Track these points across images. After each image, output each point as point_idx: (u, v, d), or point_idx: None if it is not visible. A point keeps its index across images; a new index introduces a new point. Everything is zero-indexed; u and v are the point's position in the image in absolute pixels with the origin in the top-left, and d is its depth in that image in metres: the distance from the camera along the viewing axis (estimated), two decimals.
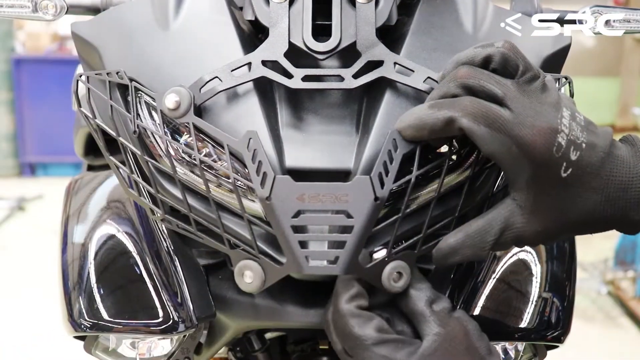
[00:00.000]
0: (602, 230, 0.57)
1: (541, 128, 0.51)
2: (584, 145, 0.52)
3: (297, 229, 0.57)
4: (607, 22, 0.76)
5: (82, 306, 0.72)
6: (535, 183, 0.53)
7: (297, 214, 0.56)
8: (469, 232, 0.56)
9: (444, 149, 0.60)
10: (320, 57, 0.60)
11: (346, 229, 0.57)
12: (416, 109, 0.55)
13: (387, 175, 0.56)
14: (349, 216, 0.56)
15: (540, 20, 0.75)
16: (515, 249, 0.76)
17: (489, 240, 0.55)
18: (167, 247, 0.73)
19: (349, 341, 0.57)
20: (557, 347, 0.77)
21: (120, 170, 0.63)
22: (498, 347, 0.78)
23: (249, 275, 0.59)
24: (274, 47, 0.60)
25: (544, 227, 0.55)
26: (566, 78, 0.63)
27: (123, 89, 0.62)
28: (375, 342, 0.55)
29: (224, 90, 0.59)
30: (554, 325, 0.74)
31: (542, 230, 0.55)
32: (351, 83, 0.59)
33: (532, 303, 0.74)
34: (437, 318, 0.57)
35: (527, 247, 0.77)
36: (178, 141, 0.61)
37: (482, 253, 0.56)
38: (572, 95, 0.64)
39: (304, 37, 0.60)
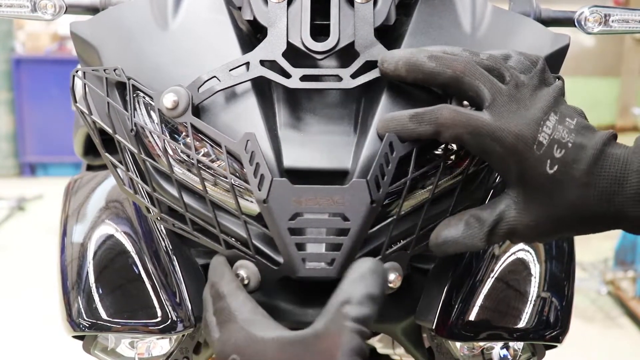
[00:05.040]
0: (603, 228, 0.58)
1: (521, 128, 0.55)
2: (569, 144, 0.55)
3: (294, 232, 0.57)
4: (606, 22, 0.76)
5: (81, 306, 0.72)
6: (525, 179, 0.56)
7: (294, 217, 0.56)
8: (465, 221, 0.58)
9: (440, 151, 0.60)
10: (318, 57, 0.60)
11: (342, 232, 0.57)
12: (397, 117, 0.57)
13: (383, 178, 0.56)
14: (345, 219, 0.57)
15: (538, 20, 0.75)
16: (514, 248, 0.76)
17: (484, 231, 0.57)
18: (165, 246, 0.73)
19: (221, 315, 0.56)
20: (555, 346, 0.77)
21: (117, 168, 0.63)
22: (497, 346, 0.78)
23: (245, 275, 0.59)
24: (272, 47, 0.60)
25: (536, 221, 0.56)
26: (559, 77, 0.63)
27: (121, 88, 0.62)
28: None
29: (222, 89, 0.59)
30: (553, 325, 0.74)
31: (534, 225, 0.57)
32: (349, 83, 0.59)
33: (530, 302, 0.74)
34: (331, 317, 0.53)
35: (525, 247, 0.77)
36: (176, 140, 0.61)
37: (477, 244, 0.57)
38: (563, 95, 0.65)
39: (302, 37, 0.60)
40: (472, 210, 0.58)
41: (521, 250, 0.77)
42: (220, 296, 0.57)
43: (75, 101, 0.63)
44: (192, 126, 0.58)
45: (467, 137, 0.55)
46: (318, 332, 0.52)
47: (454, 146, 0.61)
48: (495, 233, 0.57)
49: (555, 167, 0.55)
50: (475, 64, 0.56)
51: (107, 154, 0.63)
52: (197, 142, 0.60)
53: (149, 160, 0.61)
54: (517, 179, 0.56)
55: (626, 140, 0.58)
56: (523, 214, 0.57)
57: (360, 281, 0.53)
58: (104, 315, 0.71)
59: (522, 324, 0.73)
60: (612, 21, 0.76)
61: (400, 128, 0.57)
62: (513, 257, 0.77)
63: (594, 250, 3.30)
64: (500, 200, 0.58)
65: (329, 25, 0.60)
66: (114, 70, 0.61)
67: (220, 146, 0.58)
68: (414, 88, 0.60)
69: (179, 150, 0.61)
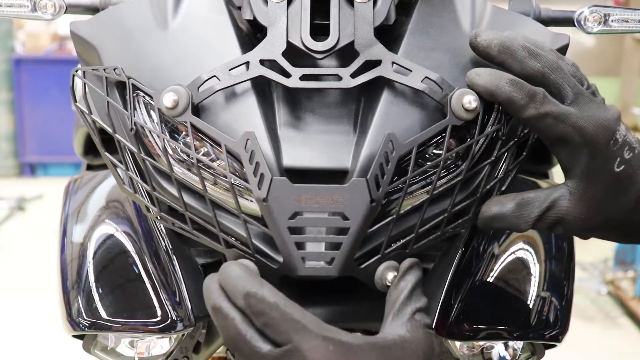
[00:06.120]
0: None
1: (603, 123, 0.57)
2: (636, 150, 0.58)
3: (294, 231, 0.57)
4: (606, 22, 0.76)
5: (81, 305, 0.72)
6: (590, 172, 0.58)
7: (294, 216, 0.57)
8: (516, 202, 0.59)
9: (439, 150, 0.60)
10: (318, 56, 0.60)
11: (342, 231, 0.57)
12: (497, 74, 0.57)
13: (382, 178, 0.56)
14: (345, 218, 0.57)
15: (538, 20, 0.75)
16: (514, 247, 0.77)
17: (533, 216, 0.59)
18: (165, 246, 0.73)
19: (280, 326, 0.52)
20: (555, 346, 0.77)
21: (117, 167, 0.64)
22: (496, 345, 0.78)
23: None
24: (272, 46, 0.60)
25: (586, 215, 0.59)
26: None
27: (121, 87, 0.62)
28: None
29: (222, 89, 0.59)
30: (552, 325, 0.75)
31: (584, 218, 0.59)
32: (349, 82, 0.59)
33: (530, 302, 0.74)
34: (410, 324, 0.55)
35: (525, 246, 0.77)
36: (176, 140, 0.61)
37: (523, 226, 0.59)
38: None
39: (302, 37, 0.60)
40: (524, 193, 0.60)
41: (521, 250, 0.77)
42: (271, 307, 0.52)
43: (75, 101, 0.63)
44: (192, 125, 0.58)
45: (549, 121, 0.56)
46: (404, 337, 0.54)
47: (454, 146, 0.61)
48: (543, 219, 0.59)
49: (622, 167, 0.58)
50: (561, 65, 0.58)
51: (107, 154, 0.63)
52: (197, 142, 0.60)
53: (149, 159, 0.61)
54: (582, 172, 0.58)
55: None
56: (576, 205, 0.59)
57: (419, 290, 0.57)
58: (103, 314, 0.71)
59: (521, 324, 0.73)
60: (612, 21, 0.76)
61: (497, 83, 0.57)
62: (513, 257, 0.77)
63: (594, 250, 3.30)
64: (556, 189, 0.59)
65: (328, 24, 0.60)
66: (114, 69, 0.61)
67: (220, 145, 0.58)
68: (413, 88, 0.60)
69: (179, 150, 0.61)
